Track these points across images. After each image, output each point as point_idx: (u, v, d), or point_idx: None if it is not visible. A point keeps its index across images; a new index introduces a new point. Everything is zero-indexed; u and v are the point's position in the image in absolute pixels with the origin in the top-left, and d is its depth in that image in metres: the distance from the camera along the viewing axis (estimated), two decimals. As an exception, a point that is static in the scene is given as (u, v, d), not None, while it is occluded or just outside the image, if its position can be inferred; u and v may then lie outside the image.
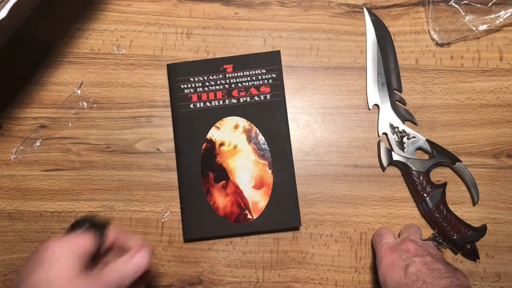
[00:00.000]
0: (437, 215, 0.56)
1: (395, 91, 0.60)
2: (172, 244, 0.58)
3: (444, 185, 0.57)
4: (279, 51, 0.60)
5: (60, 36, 0.61)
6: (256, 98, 0.59)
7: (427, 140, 0.59)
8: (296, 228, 0.58)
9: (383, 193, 0.59)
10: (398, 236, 0.56)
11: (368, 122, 0.60)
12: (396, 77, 0.60)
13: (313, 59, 0.61)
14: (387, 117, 0.60)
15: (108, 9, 0.62)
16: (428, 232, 0.58)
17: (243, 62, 0.59)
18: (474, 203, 0.59)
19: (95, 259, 0.44)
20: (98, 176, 0.59)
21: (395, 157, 0.58)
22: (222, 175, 0.57)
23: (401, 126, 0.59)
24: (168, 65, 0.60)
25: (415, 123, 0.60)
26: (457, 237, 0.56)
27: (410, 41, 0.61)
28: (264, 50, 0.61)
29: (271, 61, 0.59)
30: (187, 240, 0.58)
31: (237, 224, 0.57)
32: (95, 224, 0.45)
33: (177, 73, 0.59)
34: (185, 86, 0.59)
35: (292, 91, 0.61)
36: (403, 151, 0.58)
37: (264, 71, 0.59)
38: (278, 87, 0.59)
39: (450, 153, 0.58)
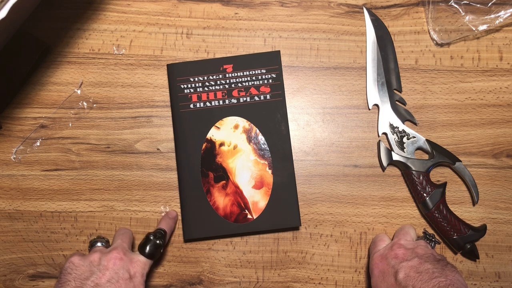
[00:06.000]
0: (437, 215, 0.56)
1: (395, 91, 0.60)
2: (172, 244, 0.58)
3: (444, 185, 0.57)
4: (279, 51, 0.60)
5: (60, 36, 0.61)
6: (256, 98, 0.59)
7: (427, 140, 0.59)
8: (296, 228, 0.58)
9: (383, 193, 0.59)
10: (392, 240, 0.56)
11: (368, 122, 0.60)
12: (396, 77, 0.60)
13: (313, 59, 0.61)
14: (387, 117, 0.60)
15: (108, 9, 0.62)
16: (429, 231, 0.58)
17: (243, 62, 0.59)
18: (474, 203, 0.59)
19: None
20: (98, 176, 0.59)
21: (395, 157, 0.58)
22: (222, 175, 0.57)
23: (401, 126, 0.59)
24: (168, 65, 0.60)
25: (415, 123, 0.60)
26: (457, 237, 0.56)
27: (410, 41, 0.61)
28: (264, 50, 0.61)
29: (271, 61, 0.59)
30: (187, 240, 0.58)
31: (237, 224, 0.57)
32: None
33: (177, 73, 0.59)
34: (185, 86, 0.59)
35: (292, 91, 0.61)
36: (403, 151, 0.58)
37: (264, 71, 0.59)
38: (278, 87, 0.59)
39: (450, 153, 0.58)
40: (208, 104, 0.59)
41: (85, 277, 0.47)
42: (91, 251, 0.51)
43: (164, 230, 0.54)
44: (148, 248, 0.51)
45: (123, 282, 0.47)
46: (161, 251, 0.53)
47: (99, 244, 0.52)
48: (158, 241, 0.52)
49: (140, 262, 0.50)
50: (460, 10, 0.60)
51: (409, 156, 0.58)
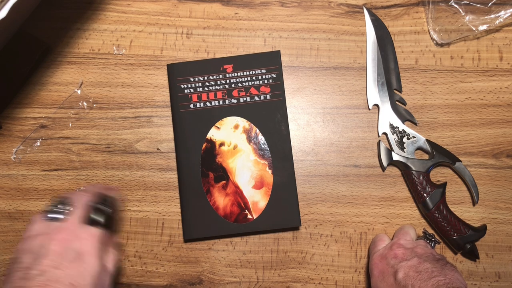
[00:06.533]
0: (437, 215, 0.56)
1: (395, 91, 0.60)
2: (172, 244, 0.58)
3: (444, 185, 0.57)
4: (279, 51, 0.60)
5: (60, 36, 0.61)
6: (256, 98, 0.59)
7: (427, 140, 0.59)
8: (296, 228, 0.58)
9: (383, 193, 0.59)
10: (392, 239, 0.56)
11: (368, 122, 0.60)
12: (396, 77, 0.60)
13: (313, 59, 0.61)
14: (387, 117, 0.60)
15: (108, 9, 0.62)
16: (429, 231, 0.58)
17: (243, 62, 0.59)
18: (474, 203, 0.59)
19: None
20: (98, 176, 0.59)
21: (395, 157, 0.58)
22: (222, 175, 0.57)
23: (401, 126, 0.59)
24: (168, 65, 0.60)
25: (415, 123, 0.60)
26: (457, 237, 0.56)
27: (410, 41, 0.61)
28: (264, 50, 0.61)
29: (271, 61, 0.59)
30: (187, 240, 0.58)
31: (237, 224, 0.57)
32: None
33: (177, 73, 0.59)
34: (185, 86, 0.59)
35: (292, 91, 0.61)
36: (403, 151, 0.58)
37: (264, 71, 0.59)
38: (278, 87, 0.59)
39: (450, 153, 0.58)
40: (208, 104, 0.59)
41: (28, 266, 0.43)
42: (35, 229, 0.46)
43: (110, 196, 0.50)
44: (94, 217, 0.46)
45: (70, 265, 0.43)
46: (115, 217, 0.48)
47: (52, 215, 0.46)
48: (103, 207, 0.47)
49: (91, 237, 0.45)
50: (460, 10, 0.60)
51: (409, 156, 0.58)
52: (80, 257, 0.44)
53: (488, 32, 0.61)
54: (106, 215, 0.47)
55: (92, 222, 0.46)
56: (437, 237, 0.57)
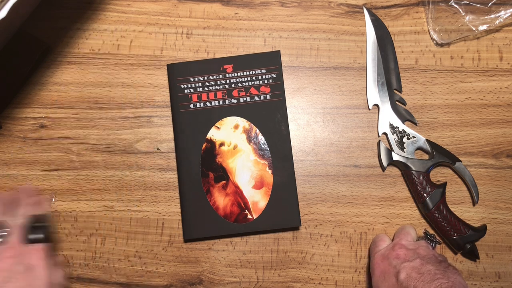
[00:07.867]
0: (437, 215, 0.56)
1: (395, 91, 0.60)
2: (172, 244, 0.58)
3: (444, 185, 0.57)
4: (279, 51, 0.60)
5: (60, 36, 0.61)
6: (256, 98, 0.59)
7: (427, 140, 0.59)
8: (296, 228, 0.58)
9: (383, 193, 0.59)
10: (393, 240, 0.56)
11: (368, 122, 0.60)
12: (396, 77, 0.60)
13: (313, 59, 0.61)
14: (387, 117, 0.60)
15: (108, 9, 0.62)
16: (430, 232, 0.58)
17: (243, 62, 0.59)
18: (474, 203, 0.59)
19: None
20: (98, 176, 0.59)
21: (395, 157, 0.58)
22: (222, 175, 0.57)
23: (401, 126, 0.59)
24: (168, 65, 0.60)
25: (415, 123, 0.60)
26: (457, 237, 0.56)
27: (410, 41, 0.61)
28: (264, 50, 0.61)
29: (271, 61, 0.59)
30: (187, 240, 0.58)
31: (237, 224, 0.57)
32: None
33: (177, 73, 0.59)
34: (185, 86, 0.59)
35: (292, 91, 0.61)
36: (403, 151, 0.58)
37: (264, 71, 0.59)
38: (278, 87, 0.59)
39: (450, 153, 0.58)
40: (208, 104, 0.59)
41: None
42: None
43: (42, 214, 0.51)
44: (33, 236, 0.48)
45: (20, 276, 0.45)
46: (51, 232, 0.50)
47: None
48: (39, 224, 0.49)
49: (36, 251, 0.47)
50: (460, 10, 0.60)
51: (409, 156, 0.58)
52: (30, 270, 0.46)
53: (488, 32, 0.61)
54: (43, 231, 0.48)
55: (32, 241, 0.48)
56: (438, 237, 0.57)
